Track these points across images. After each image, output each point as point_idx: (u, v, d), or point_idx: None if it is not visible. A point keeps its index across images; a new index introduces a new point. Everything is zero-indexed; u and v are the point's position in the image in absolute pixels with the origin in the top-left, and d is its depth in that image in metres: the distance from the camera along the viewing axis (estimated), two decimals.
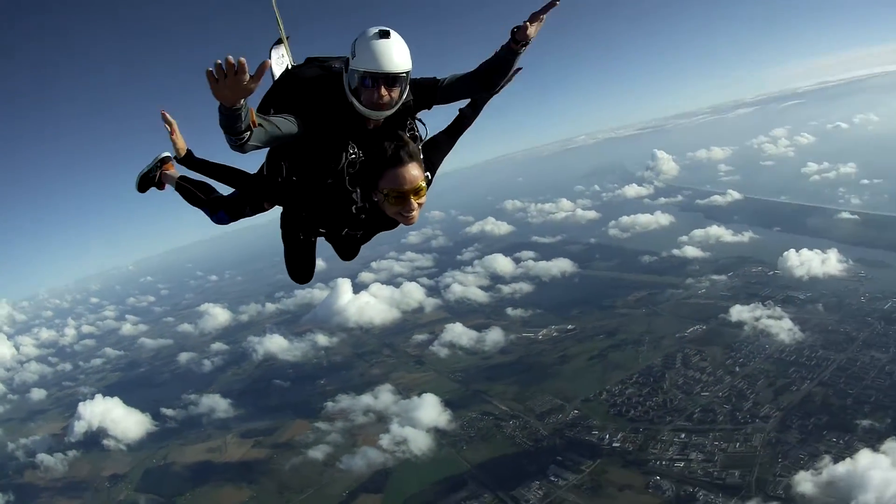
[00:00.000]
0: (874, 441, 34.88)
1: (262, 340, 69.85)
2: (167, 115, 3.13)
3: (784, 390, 42.64)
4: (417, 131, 3.43)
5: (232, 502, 38.56)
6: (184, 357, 73.67)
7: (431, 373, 54.65)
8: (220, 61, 2.24)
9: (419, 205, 3.04)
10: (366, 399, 50.17)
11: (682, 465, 37.03)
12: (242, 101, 2.49)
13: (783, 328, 52.32)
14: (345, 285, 74.99)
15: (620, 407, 44.14)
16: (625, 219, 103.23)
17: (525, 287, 75.82)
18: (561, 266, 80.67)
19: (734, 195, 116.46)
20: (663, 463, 37.51)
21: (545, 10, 3.24)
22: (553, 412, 44.68)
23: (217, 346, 75.39)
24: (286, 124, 3.03)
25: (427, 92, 3.36)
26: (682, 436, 39.87)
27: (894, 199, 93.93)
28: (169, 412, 56.59)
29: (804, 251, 68.81)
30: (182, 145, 3.30)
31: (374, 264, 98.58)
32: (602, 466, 37.43)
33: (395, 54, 2.91)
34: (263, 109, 3.43)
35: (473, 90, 3.46)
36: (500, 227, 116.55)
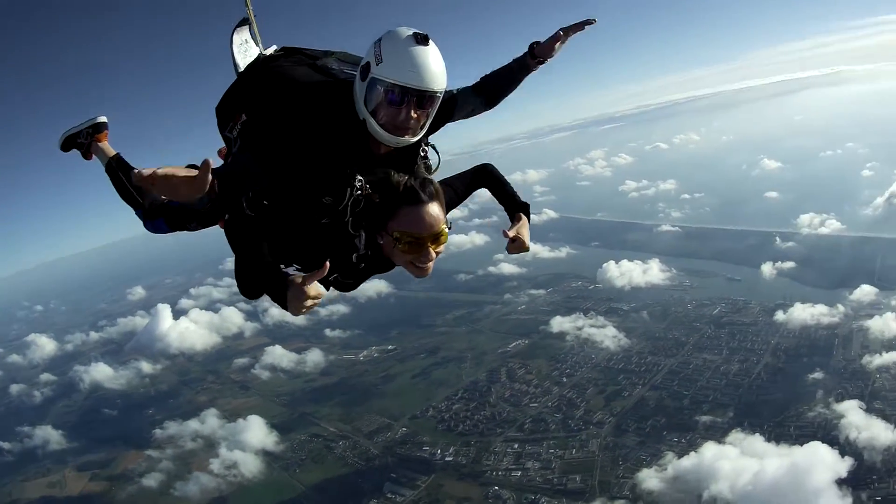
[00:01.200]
0: (718, 435, 54.48)
1: (87, 370, 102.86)
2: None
3: (615, 396, 64.01)
4: (430, 160, 4.30)
5: None
6: (14, 389, 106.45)
7: (256, 397, 78.93)
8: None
9: (437, 254, 3.79)
10: (193, 424, 72.68)
11: (519, 473, 54.70)
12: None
13: (607, 336, 78.03)
14: (165, 311, 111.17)
15: (449, 422, 64.21)
16: None
17: (342, 308, 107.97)
18: (376, 287, 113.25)
19: (550, 214, 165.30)
20: (499, 473, 55.15)
21: (577, 28, 4.49)
22: (381, 431, 64.94)
23: (46, 376, 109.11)
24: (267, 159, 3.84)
25: (444, 109, 4.15)
26: (516, 446, 58.22)
27: (716, 212, 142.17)
28: (5, 445, 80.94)
29: (624, 262, 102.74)
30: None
31: (192, 290, 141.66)
32: (437, 481, 55.11)
33: (435, 67, 3.61)
34: (226, 113, 4.41)
35: (475, 106, 4.59)
36: None
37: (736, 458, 51.12)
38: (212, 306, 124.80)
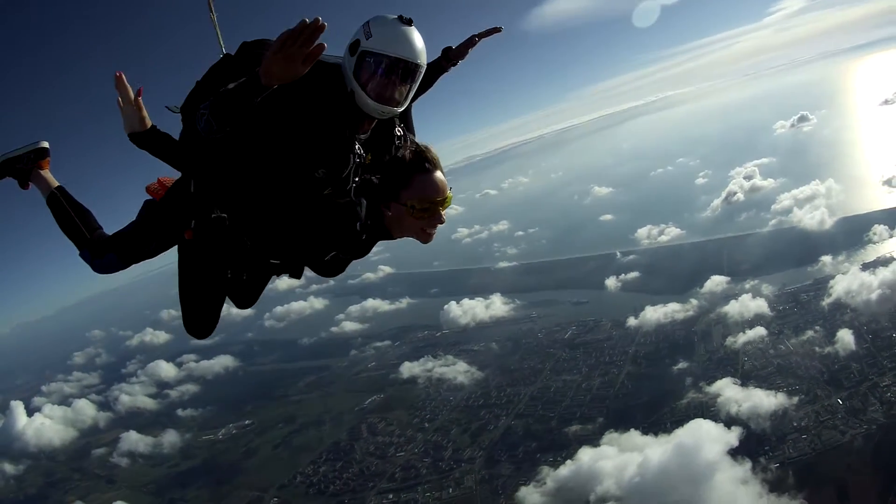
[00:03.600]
0: (592, 441, 57.92)
1: None
2: (124, 79, 4.50)
3: (481, 431, 66.79)
4: (402, 139, 4.66)
5: None
6: None
7: (124, 489, 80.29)
8: (307, 20, 3.28)
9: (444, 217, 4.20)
10: None
11: None
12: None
13: (459, 371, 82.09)
14: (18, 409, 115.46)
15: (319, 485, 66.35)
16: (279, 308, 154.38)
17: (192, 388, 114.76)
18: (223, 362, 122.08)
19: (386, 269, 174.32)
20: None
21: (487, 34, 5.23)
22: None
23: None
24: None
25: None
26: (391, 496, 60.92)
27: (552, 243, 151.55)
28: None
29: (465, 301, 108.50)
30: (146, 116, 4.73)
31: (44, 388, 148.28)
32: None
33: (419, 44, 4.03)
34: (202, 97, 4.38)
35: None
36: (159, 336, 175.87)
37: (615, 456, 53.73)
38: (65, 401, 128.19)
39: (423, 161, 4.13)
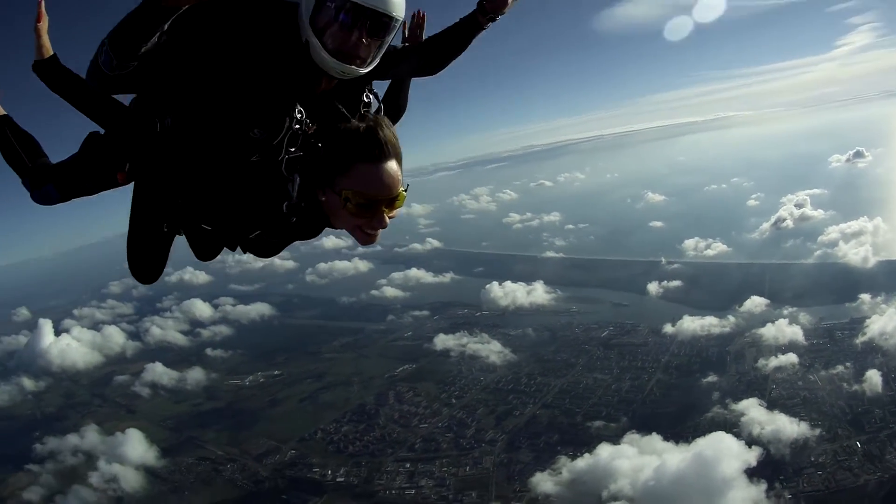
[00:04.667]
0: (613, 439, 58.23)
1: None
2: (42, 7, 4.31)
3: (507, 415, 66.93)
4: (370, 108, 4.02)
5: None
6: None
7: (143, 420, 79.99)
8: None
9: (390, 219, 3.43)
10: (73, 440, 75.88)
11: (413, 492, 57.56)
12: None
13: (493, 350, 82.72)
14: (46, 327, 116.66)
15: (338, 444, 66.79)
16: (322, 265, 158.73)
17: (225, 330, 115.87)
18: (259, 310, 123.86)
19: (434, 243, 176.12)
20: (393, 492, 57.89)
21: None
22: (270, 454, 66.87)
23: None
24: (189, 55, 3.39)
25: (384, 60, 3.84)
26: (408, 465, 60.94)
27: (600, 242, 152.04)
28: None
29: (507, 283, 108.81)
30: (48, 45, 4.37)
31: (76, 311, 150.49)
32: (330, 501, 57.72)
33: None
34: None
35: (414, 67, 4.40)
36: (199, 277, 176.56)
37: (634, 457, 54.23)
38: (95, 326, 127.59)
39: (372, 144, 3.31)
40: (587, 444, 59.67)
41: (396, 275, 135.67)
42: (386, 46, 3.66)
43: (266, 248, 4.17)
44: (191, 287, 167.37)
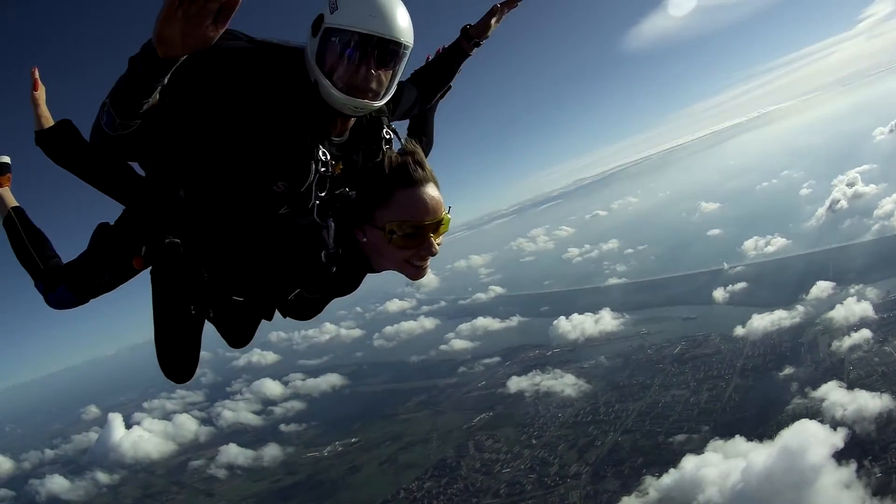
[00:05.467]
0: (697, 451, 56.95)
1: (43, 483, 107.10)
2: (37, 75, 4.27)
3: (588, 447, 65.89)
4: (391, 144, 3.77)
5: None
6: None
7: (223, 502, 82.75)
8: None
9: (438, 247, 3.23)
10: None
11: None
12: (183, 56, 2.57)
13: (567, 384, 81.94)
14: (116, 421, 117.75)
15: (422, 501, 66.34)
16: (388, 329, 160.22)
17: (297, 405, 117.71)
18: (330, 381, 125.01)
19: (497, 290, 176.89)
20: None
21: (511, 3, 4.36)
22: None
23: (3, 492, 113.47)
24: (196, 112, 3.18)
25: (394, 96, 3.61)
26: None
27: (661, 261, 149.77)
28: None
29: (575, 316, 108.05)
30: (47, 113, 4.21)
31: (145, 404, 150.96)
32: None
33: (401, 15, 3.18)
34: None
35: (412, 102, 4.19)
36: (266, 357, 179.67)
37: (719, 463, 52.83)
38: (166, 416, 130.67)
39: (408, 170, 3.14)
40: (672, 461, 58.22)
41: (463, 326, 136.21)
42: (399, 75, 3.44)
43: (307, 309, 3.91)
44: (259, 368, 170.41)
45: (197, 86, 3.17)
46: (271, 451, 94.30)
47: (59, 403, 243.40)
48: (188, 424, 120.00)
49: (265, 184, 3.33)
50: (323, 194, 3.48)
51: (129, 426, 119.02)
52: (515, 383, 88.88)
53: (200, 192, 3.44)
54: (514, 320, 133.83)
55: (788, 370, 67.02)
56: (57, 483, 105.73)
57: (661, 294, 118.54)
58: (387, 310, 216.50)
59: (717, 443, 57.66)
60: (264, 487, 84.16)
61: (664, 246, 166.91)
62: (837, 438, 50.08)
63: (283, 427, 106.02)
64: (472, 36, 4.28)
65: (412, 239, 3.12)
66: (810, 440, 50.04)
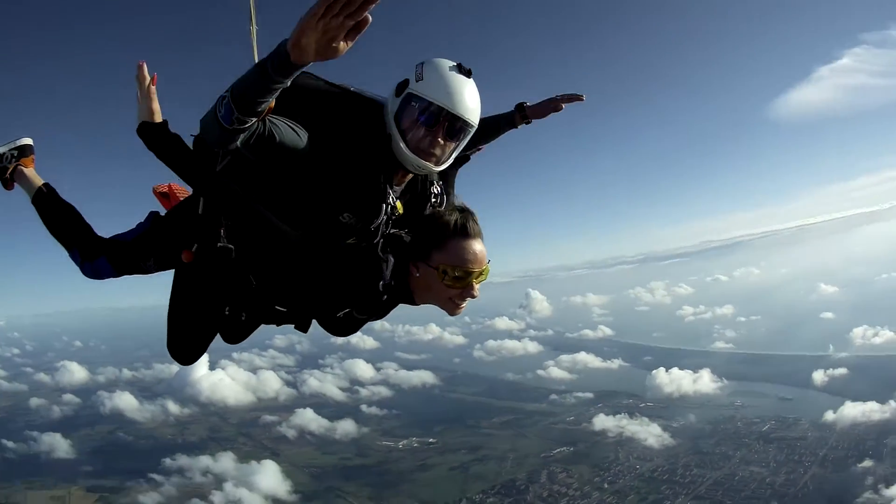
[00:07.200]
0: None
1: (111, 397, 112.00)
2: (145, 69, 4.41)
3: None
4: (439, 199, 4.06)
5: None
6: (34, 402, 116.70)
7: (286, 465, 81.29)
8: None
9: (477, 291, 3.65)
10: (205, 460, 79.80)
11: None
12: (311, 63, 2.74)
13: (651, 434, 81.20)
14: (202, 359, 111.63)
15: None
16: (491, 343, 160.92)
17: (384, 391, 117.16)
18: (422, 377, 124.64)
19: (606, 331, 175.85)
20: None
21: (569, 99, 4.60)
22: None
23: (69, 397, 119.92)
24: (295, 135, 3.42)
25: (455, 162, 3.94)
26: None
27: (770, 334, 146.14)
28: (10, 444, 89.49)
29: (674, 370, 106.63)
30: (157, 108, 4.37)
31: (235, 354, 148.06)
32: None
33: (473, 99, 3.53)
34: None
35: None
36: (366, 341, 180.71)
37: None
38: (252, 370, 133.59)
39: (465, 225, 3.61)
40: None
41: (565, 357, 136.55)
42: (460, 149, 3.80)
43: (348, 327, 4.14)
44: (356, 349, 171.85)
45: (299, 115, 3.57)
46: (346, 427, 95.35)
47: (152, 334, 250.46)
48: (271, 382, 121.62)
49: (334, 214, 3.64)
50: (387, 232, 3.79)
51: (212, 368, 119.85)
52: (602, 421, 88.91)
53: (278, 207, 3.73)
54: (616, 363, 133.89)
55: (867, 463, 65.39)
56: (125, 401, 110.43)
57: (764, 368, 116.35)
58: (494, 325, 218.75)
59: None
60: (330, 462, 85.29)
61: (777, 320, 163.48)
62: None
63: (364, 408, 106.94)
64: (527, 115, 4.61)
65: (460, 281, 3.56)
66: None
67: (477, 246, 3.60)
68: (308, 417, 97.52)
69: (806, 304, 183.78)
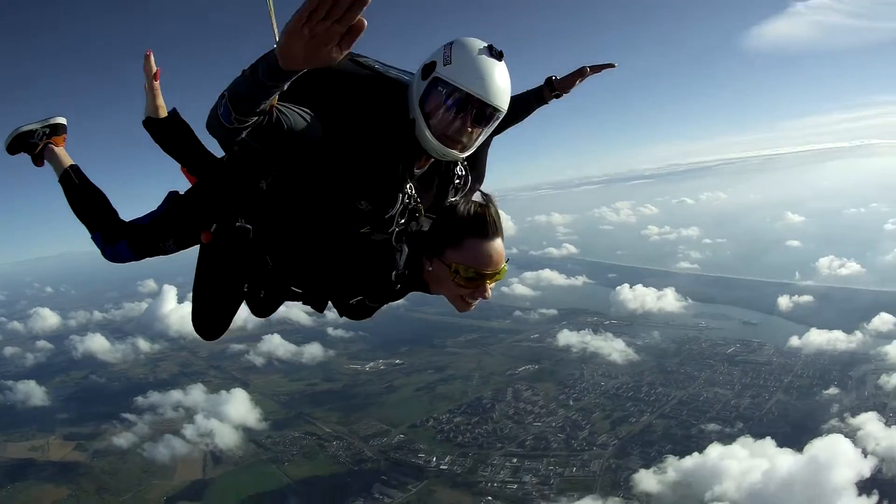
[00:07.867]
0: (725, 440, 57.05)
1: (83, 340, 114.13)
2: (152, 60, 4.31)
3: (622, 422, 65.62)
4: (462, 183, 3.90)
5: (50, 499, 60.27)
6: (8, 351, 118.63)
7: (256, 394, 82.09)
8: None
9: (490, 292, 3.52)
10: (176, 395, 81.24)
11: (515, 487, 56.35)
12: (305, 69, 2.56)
13: (615, 349, 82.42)
14: (170, 293, 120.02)
15: (448, 433, 66.78)
16: None
17: None
18: None
19: (570, 249, 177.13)
20: (495, 485, 56.81)
21: (599, 69, 4.53)
22: (378, 436, 67.38)
23: (42, 343, 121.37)
24: (306, 123, 3.22)
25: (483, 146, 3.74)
26: (514, 460, 59.89)
27: (736, 259, 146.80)
28: None
29: (639, 287, 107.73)
30: (162, 104, 4.31)
31: None
32: (429, 486, 57.23)
33: (503, 85, 3.27)
34: None
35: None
36: None
37: (744, 459, 52.57)
38: None
39: (483, 224, 3.42)
40: (699, 450, 58.32)
41: (529, 274, 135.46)
42: (486, 136, 3.54)
43: (362, 312, 4.17)
44: None
45: (313, 101, 3.31)
46: (313, 350, 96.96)
47: (120, 274, 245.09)
48: (239, 311, 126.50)
49: (351, 199, 3.46)
50: (402, 222, 3.61)
51: (181, 302, 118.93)
52: (565, 337, 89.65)
53: (286, 191, 3.60)
54: (580, 280, 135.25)
55: (832, 391, 66.32)
56: (97, 342, 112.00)
57: (729, 292, 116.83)
58: None
59: (746, 440, 57.40)
60: (298, 388, 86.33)
61: (742, 245, 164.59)
62: (865, 467, 49.21)
63: (330, 331, 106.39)
64: (556, 88, 4.48)
65: (472, 282, 3.41)
66: (840, 459, 49.37)
67: (494, 247, 3.44)
68: (276, 343, 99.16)
69: (772, 232, 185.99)
